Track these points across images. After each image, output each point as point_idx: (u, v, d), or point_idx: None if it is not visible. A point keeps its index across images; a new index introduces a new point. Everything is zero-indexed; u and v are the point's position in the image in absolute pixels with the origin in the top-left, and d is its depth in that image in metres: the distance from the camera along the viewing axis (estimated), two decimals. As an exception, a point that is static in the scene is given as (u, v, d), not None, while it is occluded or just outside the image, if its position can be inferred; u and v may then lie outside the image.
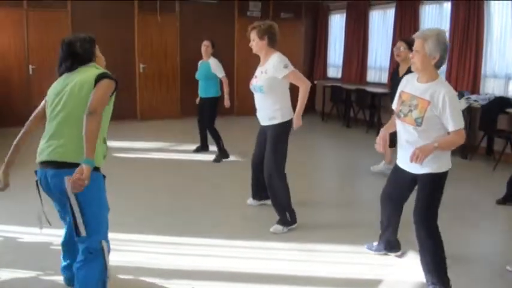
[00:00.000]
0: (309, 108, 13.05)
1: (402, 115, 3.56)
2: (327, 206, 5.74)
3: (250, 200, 5.55)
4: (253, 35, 4.75)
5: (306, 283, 3.78)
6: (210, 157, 7.68)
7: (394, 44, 10.30)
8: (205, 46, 7.74)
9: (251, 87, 4.91)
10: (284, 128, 4.83)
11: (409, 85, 3.60)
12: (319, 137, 10.38)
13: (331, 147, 9.72)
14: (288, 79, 4.79)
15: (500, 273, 4.00)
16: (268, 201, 5.17)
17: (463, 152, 8.12)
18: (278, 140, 4.79)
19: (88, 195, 2.87)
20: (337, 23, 12.80)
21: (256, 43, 4.77)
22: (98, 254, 3.01)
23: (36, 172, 3.19)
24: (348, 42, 12.05)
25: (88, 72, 3.05)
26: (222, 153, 7.67)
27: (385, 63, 10.85)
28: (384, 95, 9.42)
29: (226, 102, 7.68)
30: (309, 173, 7.26)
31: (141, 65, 11.34)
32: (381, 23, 11.18)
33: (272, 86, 4.73)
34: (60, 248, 3.56)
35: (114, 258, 3.64)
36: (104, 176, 3.15)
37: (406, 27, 9.92)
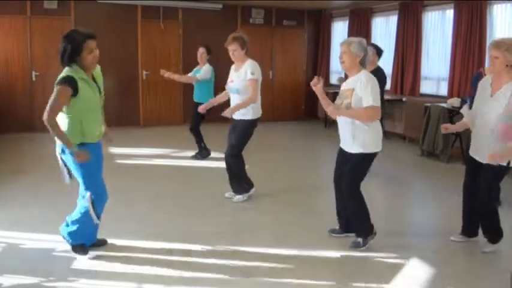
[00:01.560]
0: (312, 115, 13.09)
1: (339, 104, 4.37)
2: (330, 212, 5.72)
3: (229, 193, 6.04)
4: (236, 46, 5.52)
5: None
6: (212, 163, 7.67)
7: (397, 51, 10.35)
8: (200, 53, 7.98)
9: (228, 88, 5.79)
10: (253, 123, 5.69)
11: (344, 84, 4.47)
12: (322, 143, 10.37)
13: (334, 153, 9.68)
14: (248, 83, 5.51)
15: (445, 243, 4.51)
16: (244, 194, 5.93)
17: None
18: (246, 132, 5.69)
19: (71, 164, 4.01)
20: (339, 30, 12.82)
21: (238, 53, 5.55)
22: (83, 199, 4.10)
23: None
24: (350, 49, 12.03)
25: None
26: (203, 151, 8.15)
27: (388, 69, 10.82)
28: (387, 101, 9.40)
29: (167, 74, 8.06)
30: (310, 176, 7.24)
31: (144, 72, 11.36)
32: (384, 30, 11.18)
33: (246, 87, 5.53)
34: (63, 254, 3.55)
35: (115, 265, 3.65)
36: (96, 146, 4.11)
37: (409, 33, 9.93)
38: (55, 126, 3.82)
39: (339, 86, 13.21)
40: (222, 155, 7.74)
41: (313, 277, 3.95)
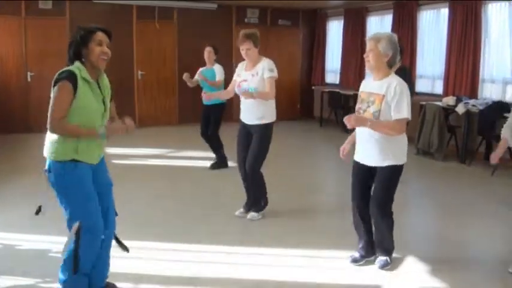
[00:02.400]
0: (307, 114, 13.10)
1: (362, 111, 3.90)
2: (328, 211, 5.74)
3: (239, 212, 5.48)
4: (250, 44, 4.99)
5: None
6: (209, 163, 7.66)
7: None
8: (208, 52, 7.46)
9: (239, 89, 5.14)
10: (271, 127, 5.21)
11: (368, 85, 3.95)
12: (317, 143, 10.39)
13: (329, 152, 9.70)
14: (266, 81, 5.05)
15: (501, 276, 3.99)
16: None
17: (462, 156, 8.15)
18: (266, 138, 5.15)
19: (55, 186, 3.25)
20: (334, 29, 12.84)
21: (252, 51, 5.03)
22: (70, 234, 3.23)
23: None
24: (345, 48, 12.08)
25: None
26: (221, 161, 7.55)
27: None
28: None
29: (190, 82, 7.53)
30: (307, 178, 7.26)
31: (140, 72, 11.35)
32: (379, 29, 11.18)
33: (263, 87, 5.04)
34: (59, 255, 3.53)
35: (113, 265, 3.64)
36: (91, 168, 3.31)
37: (404, 32, 9.94)
38: (66, 129, 3.12)
39: (335, 85, 13.21)
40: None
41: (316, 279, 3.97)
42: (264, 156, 5.18)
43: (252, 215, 5.29)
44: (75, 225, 3.19)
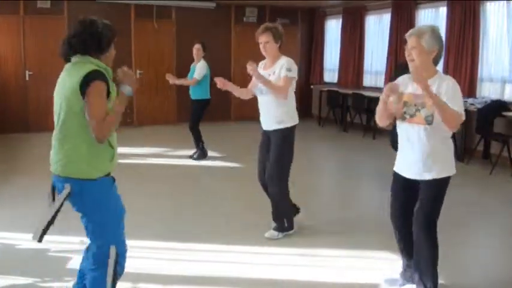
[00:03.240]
0: (306, 113, 13.10)
1: (408, 116, 3.36)
2: (326, 210, 5.75)
3: (269, 233, 4.81)
4: (268, 37, 4.51)
5: None
6: (208, 162, 7.67)
7: (390, 49, 10.37)
8: (196, 49, 7.90)
9: (256, 89, 4.66)
10: (292, 132, 4.66)
11: (409, 86, 3.40)
12: (316, 142, 10.39)
13: (328, 151, 9.73)
14: (282, 79, 4.49)
15: (499, 279, 4.03)
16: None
17: (460, 155, 8.15)
18: (286, 144, 4.61)
19: (89, 203, 2.83)
20: (333, 27, 12.83)
21: (270, 45, 4.54)
22: (103, 261, 2.88)
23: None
24: (344, 47, 12.08)
25: (77, 74, 2.72)
26: (201, 152, 7.99)
27: (382, 67, 10.87)
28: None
29: (172, 80, 8.00)
30: (306, 177, 7.26)
31: (138, 71, 11.34)
32: (377, 28, 11.21)
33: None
34: (58, 254, 3.54)
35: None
36: (114, 179, 2.99)
37: (402, 31, 9.92)
38: (113, 123, 2.76)
39: (333, 84, 13.18)
40: (220, 155, 7.80)
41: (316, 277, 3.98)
42: (285, 166, 4.63)
43: (271, 233, 4.72)
44: (112, 251, 2.88)
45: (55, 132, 2.83)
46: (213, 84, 7.74)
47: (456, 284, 3.83)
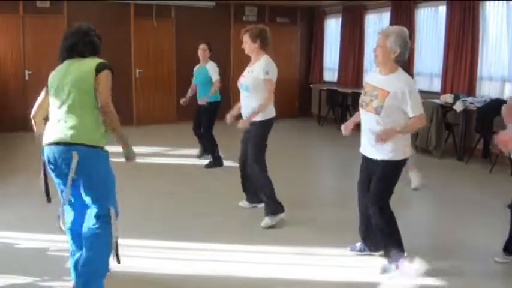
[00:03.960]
0: (305, 112, 13.10)
1: (364, 104, 3.87)
2: (324, 209, 5.75)
3: (242, 202, 5.64)
4: (246, 38, 5.07)
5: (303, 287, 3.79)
6: (206, 161, 7.66)
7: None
8: (202, 50, 7.54)
9: (239, 84, 5.23)
10: (267, 125, 5.13)
11: (374, 79, 3.91)
12: (315, 141, 10.39)
13: (327, 150, 9.73)
14: (261, 83, 5.00)
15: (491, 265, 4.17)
16: (260, 205, 5.35)
17: (460, 154, 8.16)
18: (261, 136, 5.12)
19: (95, 171, 3.27)
20: (332, 26, 12.83)
21: (248, 45, 5.10)
22: (105, 220, 3.28)
23: (42, 152, 3.42)
24: (343, 45, 12.08)
25: (89, 63, 3.30)
26: (216, 161, 7.55)
27: (381, 66, 10.86)
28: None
29: (184, 101, 7.86)
30: (306, 175, 7.26)
31: (137, 70, 11.34)
32: (377, 27, 11.19)
33: (257, 85, 5.00)
34: (57, 254, 3.54)
35: (111, 264, 3.64)
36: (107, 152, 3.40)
37: (401, 30, 9.94)
38: (116, 114, 3.32)
39: (333, 83, 13.22)
40: (221, 155, 7.76)
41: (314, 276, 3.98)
42: (261, 151, 5.16)
43: (265, 221, 5.02)
44: (112, 212, 3.31)
45: (63, 109, 3.28)
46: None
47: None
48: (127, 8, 11.03)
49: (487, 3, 8.39)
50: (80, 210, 3.41)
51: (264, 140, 5.16)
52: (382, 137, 3.66)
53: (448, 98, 8.37)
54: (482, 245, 4.68)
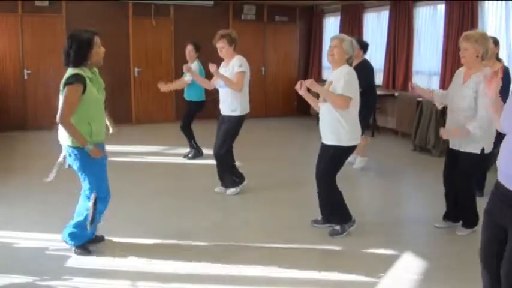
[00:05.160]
0: (304, 111, 13.09)
1: (319, 98, 4.77)
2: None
3: (218, 188, 6.13)
4: (223, 43, 5.65)
5: (301, 286, 3.79)
6: (204, 160, 7.65)
7: (388, 46, 10.38)
8: (188, 50, 7.78)
9: (215, 83, 5.85)
10: (241, 120, 5.79)
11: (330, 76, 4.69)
12: (314, 139, 10.34)
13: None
14: (235, 76, 5.62)
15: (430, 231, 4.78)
16: (229, 189, 6.04)
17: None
18: (234, 128, 5.79)
19: (78, 166, 4.02)
20: (331, 25, 12.82)
21: (226, 49, 5.68)
22: (86, 200, 4.09)
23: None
24: (342, 44, 12.04)
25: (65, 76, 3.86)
26: (198, 151, 7.99)
27: (380, 64, 10.86)
28: (379, 97, 9.42)
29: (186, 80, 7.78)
30: (304, 174, 7.25)
31: (136, 69, 11.34)
32: (376, 25, 11.20)
33: (234, 80, 5.62)
34: (56, 253, 3.54)
35: (109, 262, 3.66)
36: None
37: (400, 28, 9.96)
38: (70, 126, 3.82)
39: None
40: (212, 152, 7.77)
41: (301, 268, 3.98)
42: (230, 139, 5.85)
43: (230, 191, 5.99)
44: (92, 196, 3.99)
45: None
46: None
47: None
48: (126, 7, 11.02)
49: (486, 2, 8.39)
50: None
51: (236, 134, 5.86)
52: (303, 84, 4.59)
53: (446, 96, 8.38)
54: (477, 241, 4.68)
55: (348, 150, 4.61)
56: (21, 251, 4.33)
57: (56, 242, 4.31)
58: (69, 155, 3.96)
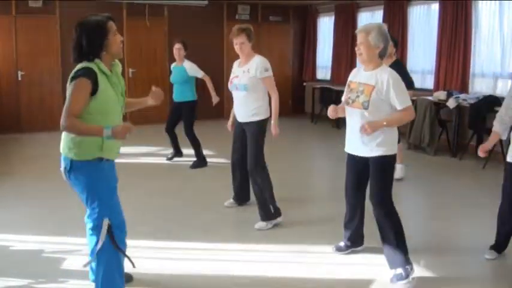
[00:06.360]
0: (299, 110, 13.11)
1: (351, 101, 3.89)
2: (318, 206, 5.76)
3: (228, 202, 5.64)
4: (243, 39, 4.94)
5: (299, 285, 3.79)
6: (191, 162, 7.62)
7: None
8: (177, 49, 7.48)
9: (231, 86, 5.12)
10: (264, 124, 5.07)
11: (358, 75, 3.99)
12: (309, 139, 10.40)
13: (321, 148, 9.75)
14: (264, 82, 4.99)
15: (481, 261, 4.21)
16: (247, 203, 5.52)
17: (453, 150, 8.19)
18: (260, 135, 5.03)
19: (81, 184, 3.14)
20: (325, 25, 12.84)
21: (246, 46, 4.98)
22: (95, 231, 3.19)
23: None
24: (336, 44, 12.09)
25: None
26: (201, 161, 7.50)
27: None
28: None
29: (215, 99, 7.41)
30: (299, 173, 7.27)
31: (130, 70, 11.32)
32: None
33: (255, 84, 4.95)
34: (52, 255, 3.53)
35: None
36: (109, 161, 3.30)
37: (394, 28, 9.97)
38: (74, 123, 2.97)
39: (326, 81, 13.21)
40: (213, 153, 7.77)
41: (304, 274, 3.99)
42: (261, 153, 5.08)
43: (259, 224, 4.94)
44: (105, 223, 3.15)
45: None
46: (198, 84, 7.70)
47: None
48: (119, 8, 10.99)
49: (479, 1, 8.42)
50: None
51: (264, 139, 5.10)
52: (367, 128, 3.64)
53: (441, 95, 8.41)
54: (475, 239, 4.71)
55: (394, 158, 3.92)
56: (18, 254, 4.31)
57: (52, 244, 4.29)
58: (69, 170, 3.13)
